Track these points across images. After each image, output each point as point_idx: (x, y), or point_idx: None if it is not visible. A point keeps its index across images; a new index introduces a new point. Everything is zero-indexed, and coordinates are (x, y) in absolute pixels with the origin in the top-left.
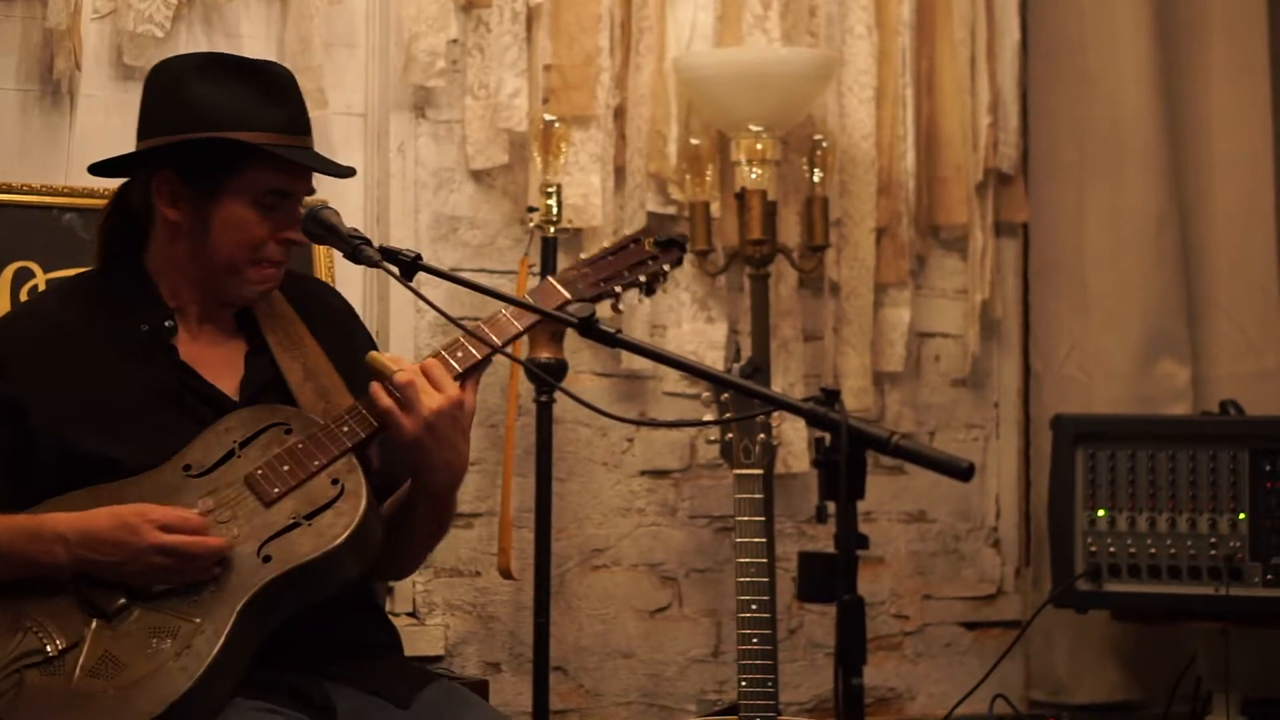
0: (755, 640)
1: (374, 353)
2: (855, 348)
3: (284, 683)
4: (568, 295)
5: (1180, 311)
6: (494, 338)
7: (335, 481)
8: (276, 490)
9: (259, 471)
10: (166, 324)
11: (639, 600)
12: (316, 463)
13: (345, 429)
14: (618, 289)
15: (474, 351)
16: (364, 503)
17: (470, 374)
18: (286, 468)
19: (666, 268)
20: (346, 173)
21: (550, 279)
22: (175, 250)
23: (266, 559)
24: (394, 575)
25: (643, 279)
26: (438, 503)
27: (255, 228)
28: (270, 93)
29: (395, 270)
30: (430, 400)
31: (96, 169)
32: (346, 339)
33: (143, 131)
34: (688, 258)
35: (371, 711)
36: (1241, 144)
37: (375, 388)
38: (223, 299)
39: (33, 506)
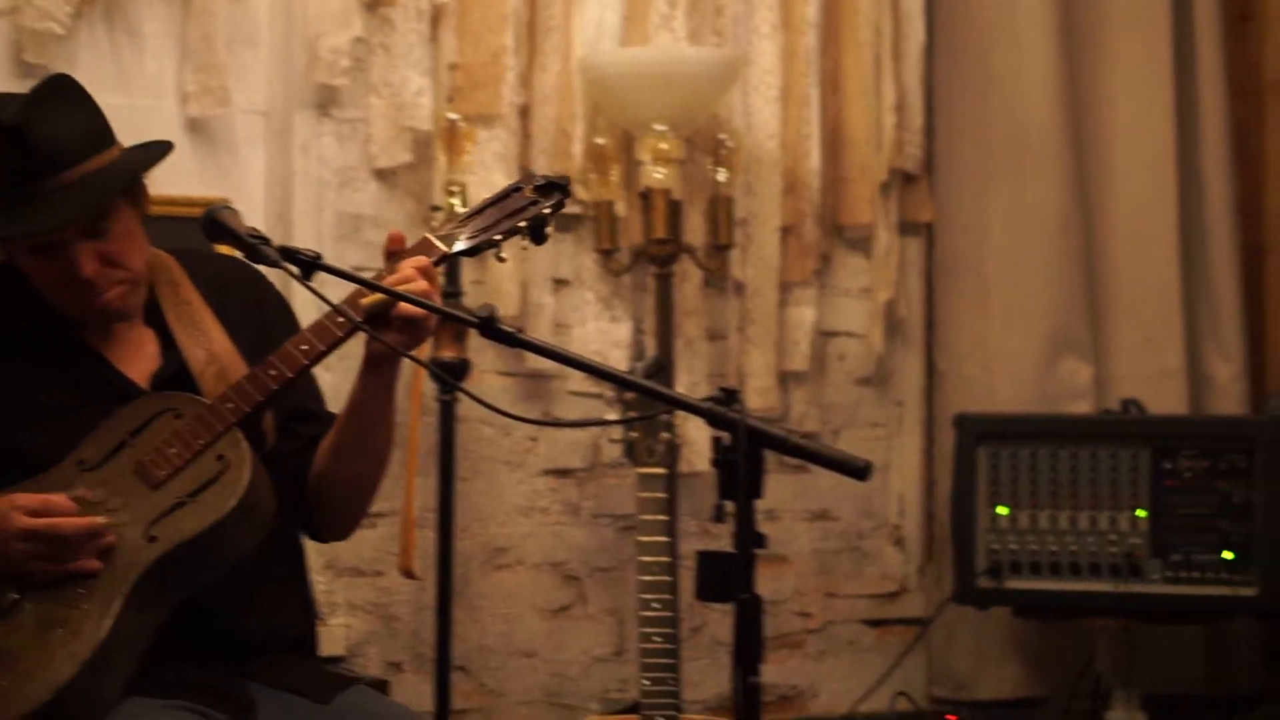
0: (657, 639)
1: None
2: (760, 347)
3: (204, 682)
4: (444, 249)
5: (1083, 311)
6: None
7: (220, 458)
8: (163, 473)
9: (147, 458)
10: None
11: (542, 599)
12: (201, 442)
13: (229, 405)
14: (497, 237)
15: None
16: (247, 474)
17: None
18: (173, 450)
19: (548, 210)
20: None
21: (427, 235)
22: None
23: (152, 539)
24: (352, 517)
25: (523, 224)
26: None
27: (49, 272)
28: None
29: (295, 270)
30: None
31: None
32: (254, 310)
33: None
34: (593, 257)
35: (292, 709)
36: (1144, 146)
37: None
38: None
39: None
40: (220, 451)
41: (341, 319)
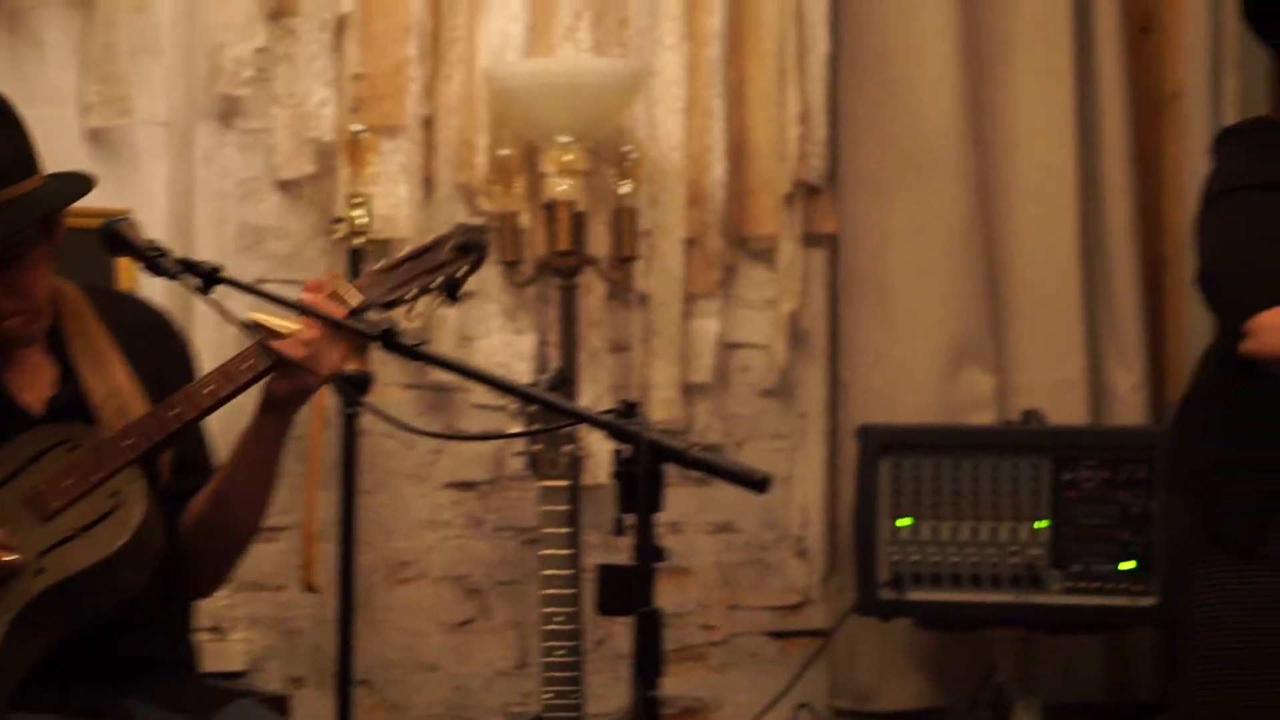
0: (560, 652)
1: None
2: (664, 358)
3: (82, 698)
4: (352, 303)
5: (985, 321)
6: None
7: (115, 494)
8: (56, 505)
9: (42, 488)
10: None
11: (445, 613)
12: (96, 476)
13: (128, 442)
14: (408, 296)
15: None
16: (140, 511)
17: None
18: (68, 482)
19: (460, 273)
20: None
21: (337, 289)
22: None
23: (39, 571)
24: (217, 572)
25: (436, 284)
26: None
27: None
28: None
29: (195, 282)
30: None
31: None
32: (157, 354)
33: None
34: (497, 269)
35: None
36: (1045, 157)
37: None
38: None
39: None
40: (115, 487)
41: (247, 364)
